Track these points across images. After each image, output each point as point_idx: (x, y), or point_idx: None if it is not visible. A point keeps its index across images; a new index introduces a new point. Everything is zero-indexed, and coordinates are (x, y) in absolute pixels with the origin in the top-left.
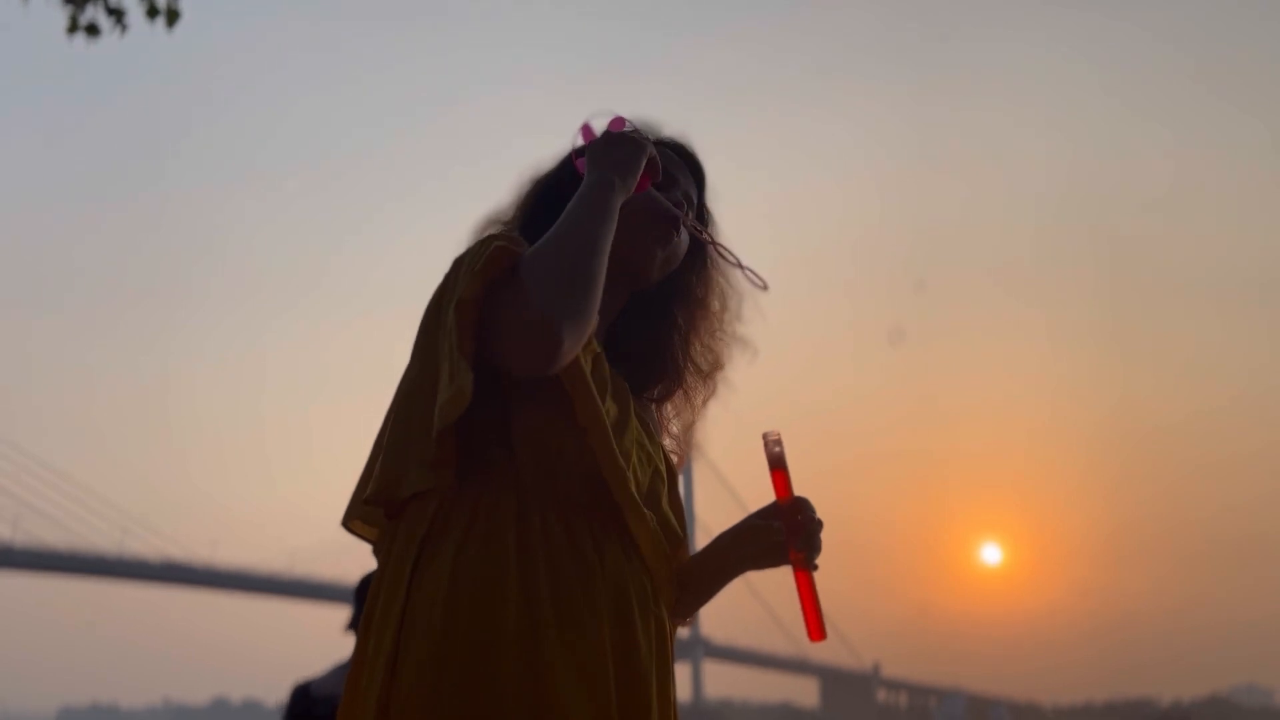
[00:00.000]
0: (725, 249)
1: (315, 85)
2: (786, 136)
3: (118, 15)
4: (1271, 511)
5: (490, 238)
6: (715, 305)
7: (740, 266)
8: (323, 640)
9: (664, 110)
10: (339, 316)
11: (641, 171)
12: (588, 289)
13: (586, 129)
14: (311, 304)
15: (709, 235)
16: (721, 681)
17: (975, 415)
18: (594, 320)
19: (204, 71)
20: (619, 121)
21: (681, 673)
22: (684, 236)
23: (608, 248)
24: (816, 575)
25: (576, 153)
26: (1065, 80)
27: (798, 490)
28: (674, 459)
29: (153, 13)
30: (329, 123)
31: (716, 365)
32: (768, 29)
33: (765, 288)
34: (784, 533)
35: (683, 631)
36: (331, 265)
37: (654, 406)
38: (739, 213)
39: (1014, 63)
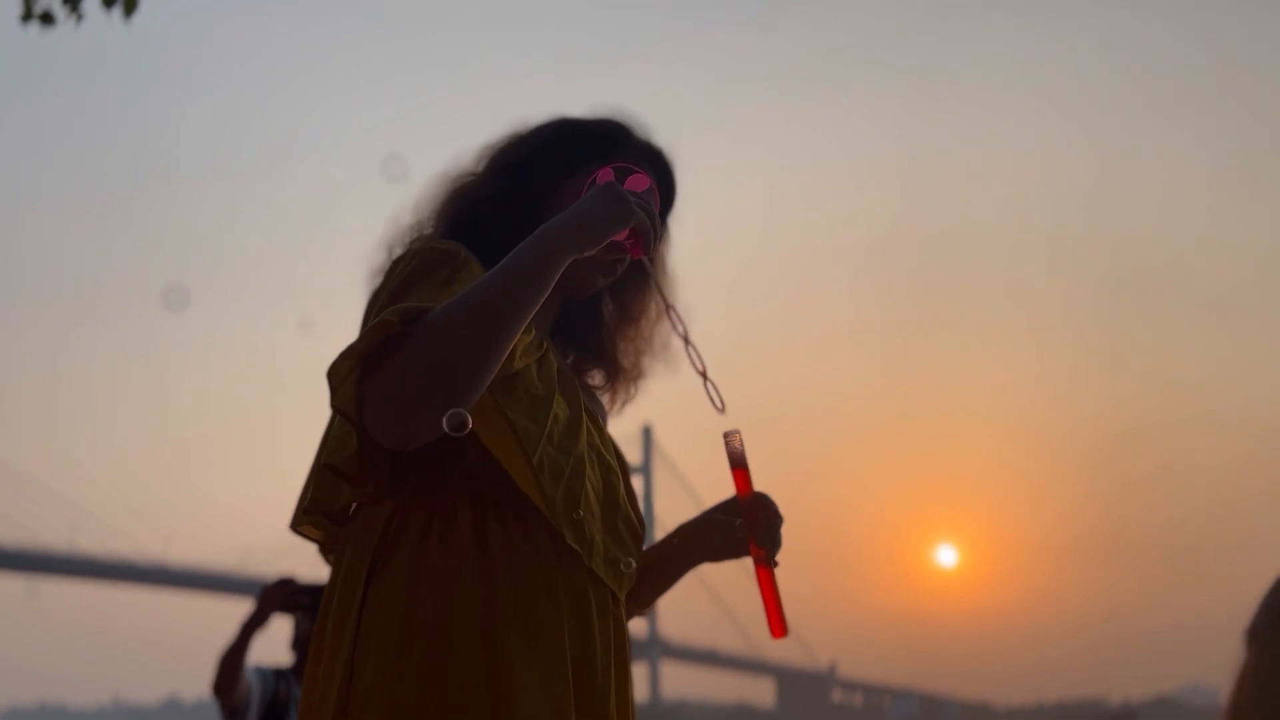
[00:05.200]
0: (694, 353)
1: (286, 78)
2: (780, 132)
3: (73, 3)
4: (1221, 518)
5: (427, 251)
6: (644, 323)
7: (703, 377)
8: (274, 640)
9: (660, 99)
10: (295, 314)
11: (617, 235)
12: (473, 381)
13: (605, 174)
14: (267, 301)
15: (690, 344)
16: (678, 681)
17: (942, 418)
18: (472, 401)
19: (170, 63)
20: (639, 180)
21: (639, 673)
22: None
23: (523, 324)
24: (778, 572)
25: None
26: (1068, 79)
27: (756, 480)
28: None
29: (109, 1)
30: (290, 117)
31: (640, 372)
32: (771, 17)
33: (722, 410)
34: (745, 529)
35: (640, 630)
36: (287, 263)
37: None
38: (727, 206)
39: (1019, 61)
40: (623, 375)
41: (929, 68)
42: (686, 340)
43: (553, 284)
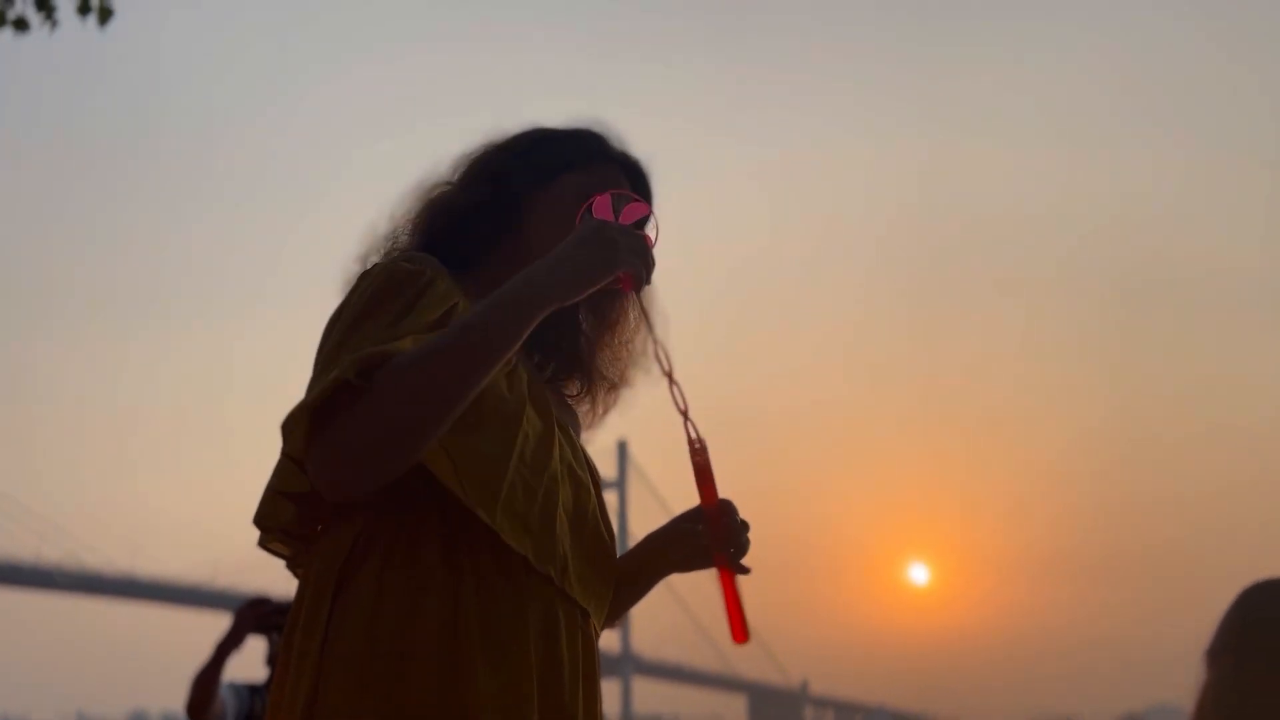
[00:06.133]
0: (678, 392)
1: (265, 85)
2: (781, 135)
3: (48, 10)
4: (1190, 540)
5: (388, 273)
6: (622, 329)
7: (684, 415)
8: (244, 655)
9: (659, 95)
10: (267, 316)
11: (610, 280)
12: (425, 439)
13: (601, 203)
14: (236, 304)
15: (675, 383)
16: (650, 697)
17: (920, 433)
18: (406, 466)
19: (144, 69)
20: (636, 209)
21: (611, 689)
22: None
23: (486, 380)
24: (743, 579)
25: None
26: (1081, 83)
27: (724, 495)
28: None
29: (84, 9)
30: (265, 124)
31: (621, 381)
32: (773, 26)
33: (700, 447)
34: (708, 536)
35: (612, 646)
36: (255, 264)
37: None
38: (714, 210)
39: (1033, 64)
40: (601, 384)
41: (937, 70)
42: (671, 378)
43: (518, 343)
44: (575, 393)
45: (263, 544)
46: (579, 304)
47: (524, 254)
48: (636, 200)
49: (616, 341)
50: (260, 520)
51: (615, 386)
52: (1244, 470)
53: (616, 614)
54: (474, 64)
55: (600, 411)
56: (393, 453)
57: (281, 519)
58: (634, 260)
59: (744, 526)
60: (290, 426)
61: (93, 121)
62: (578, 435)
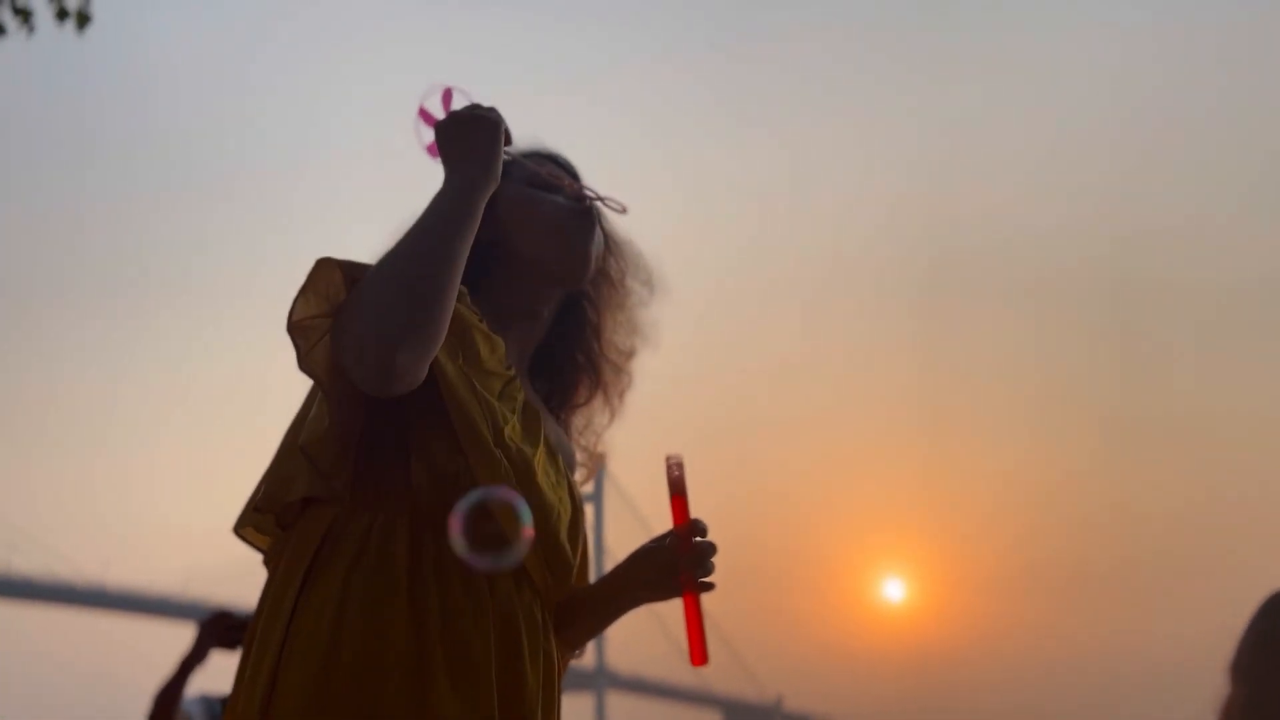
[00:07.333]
0: (599, 194)
1: (252, 91)
2: (785, 138)
3: (24, 15)
4: (1174, 557)
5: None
6: (620, 283)
7: (600, 199)
8: (214, 664)
9: (648, 105)
10: (245, 322)
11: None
12: (426, 304)
13: (425, 113)
14: (216, 317)
15: (592, 190)
16: (623, 713)
17: (904, 442)
18: (438, 334)
19: (132, 74)
20: (450, 94)
21: (586, 704)
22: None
23: (462, 253)
24: (721, 592)
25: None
26: (1085, 77)
27: (701, 516)
28: (581, 487)
29: (62, 15)
30: (249, 133)
31: (630, 352)
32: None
33: (624, 211)
34: (675, 553)
35: (586, 661)
36: (240, 273)
37: (569, 420)
38: (712, 216)
39: (1031, 61)
40: (612, 365)
41: (935, 74)
42: (599, 197)
43: (476, 220)
44: (577, 403)
45: (238, 530)
46: (581, 308)
47: (514, 259)
48: (440, 91)
49: (620, 303)
50: (268, 498)
51: (627, 359)
52: (1232, 483)
53: (579, 642)
54: (468, 59)
55: (616, 396)
56: (415, 309)
57: (289, 494)
58: (492, 135)
59: (710, 548)
60: (307, 339)
61: (86, 128)
62: (570, 466)
